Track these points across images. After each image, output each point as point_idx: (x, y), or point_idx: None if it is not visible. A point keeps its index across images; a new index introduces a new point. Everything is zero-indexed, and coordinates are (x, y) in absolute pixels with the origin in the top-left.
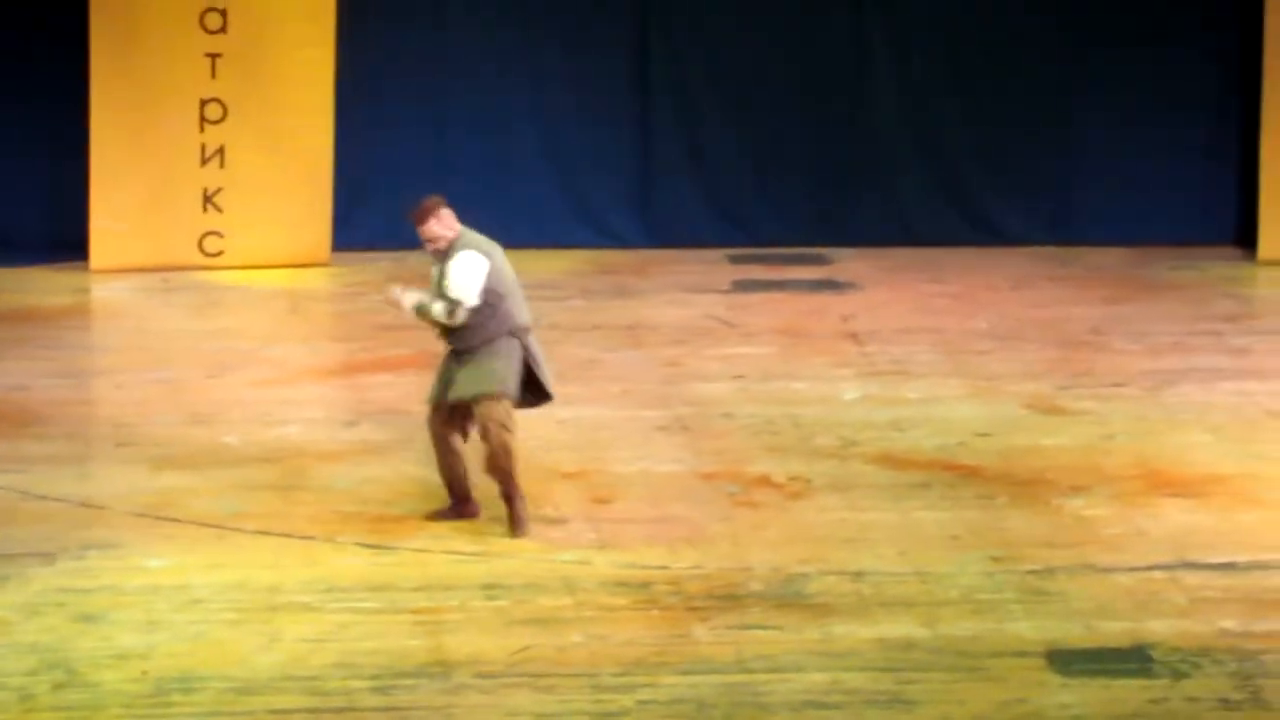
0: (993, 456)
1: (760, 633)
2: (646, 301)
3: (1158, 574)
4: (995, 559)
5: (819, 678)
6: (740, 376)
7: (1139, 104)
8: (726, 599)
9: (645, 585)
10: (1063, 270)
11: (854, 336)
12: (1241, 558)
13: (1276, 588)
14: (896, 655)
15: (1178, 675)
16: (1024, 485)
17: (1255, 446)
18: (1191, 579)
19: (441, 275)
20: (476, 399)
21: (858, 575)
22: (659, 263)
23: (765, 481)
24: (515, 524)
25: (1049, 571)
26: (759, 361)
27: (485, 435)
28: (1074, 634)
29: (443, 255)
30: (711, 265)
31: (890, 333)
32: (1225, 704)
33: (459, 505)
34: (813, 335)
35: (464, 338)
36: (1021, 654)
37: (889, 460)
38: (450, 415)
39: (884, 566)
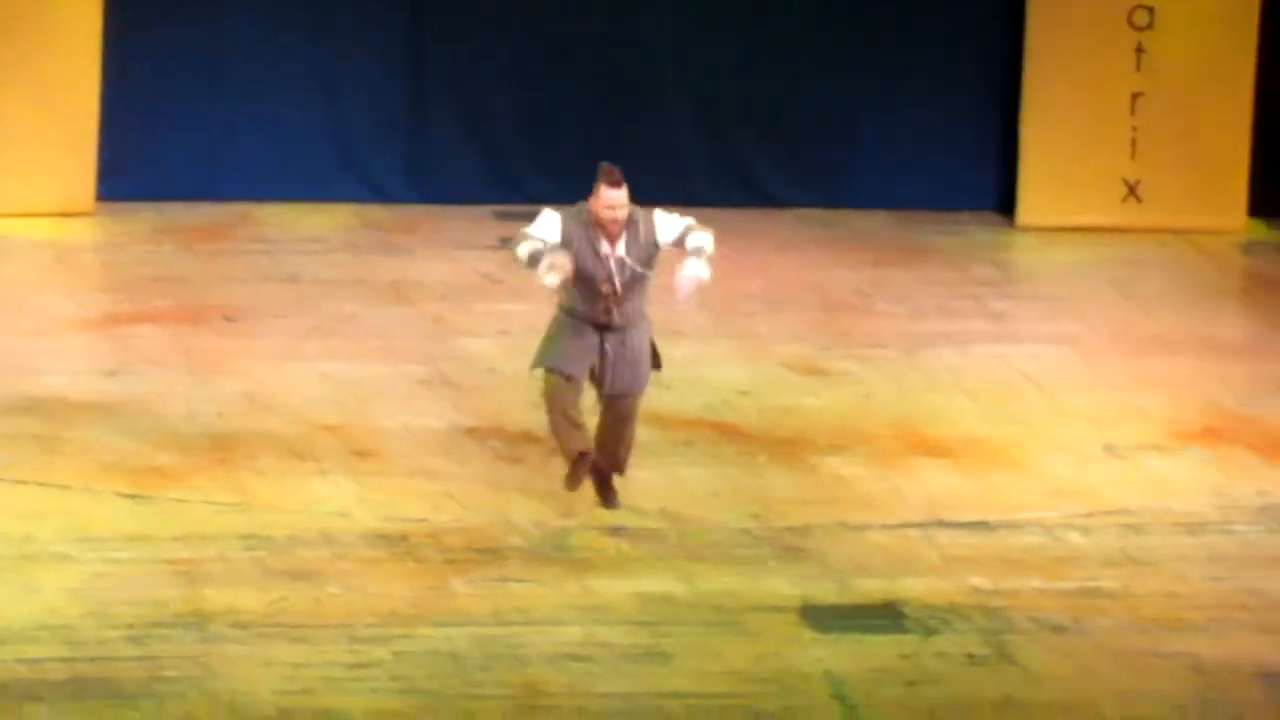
0: (754, 416)
1: (518, 586)
2: (413, 258)
3: (912, 532)
4: (754, 516)
5: (576, 631)
6: (505, 333)
7: (905, 71)
8: (485, 553)
9: (404, 538)
10: (828, 234)
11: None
12: (993, 517)
13: (1025, 547)
14: (654, 610)
15: (928, 631)
16: (784, 444)
17: (1010, 409)
18: (944, 537)
19: (653, 234)
20: (636, 394)
21: (617, 531)
22: (427, 219)
23: (528, 437)
24: (611, 497)
25: (806, 529)
26: (525, 318)
27: (622, 428)
28: (829, 590)
29: (620, 225)
30: (479, 222)
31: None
32: (972, 659)
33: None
34: None
35: (635, 309)
36: (777, 609)
37: (653, 418)
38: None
39: (644, 523)
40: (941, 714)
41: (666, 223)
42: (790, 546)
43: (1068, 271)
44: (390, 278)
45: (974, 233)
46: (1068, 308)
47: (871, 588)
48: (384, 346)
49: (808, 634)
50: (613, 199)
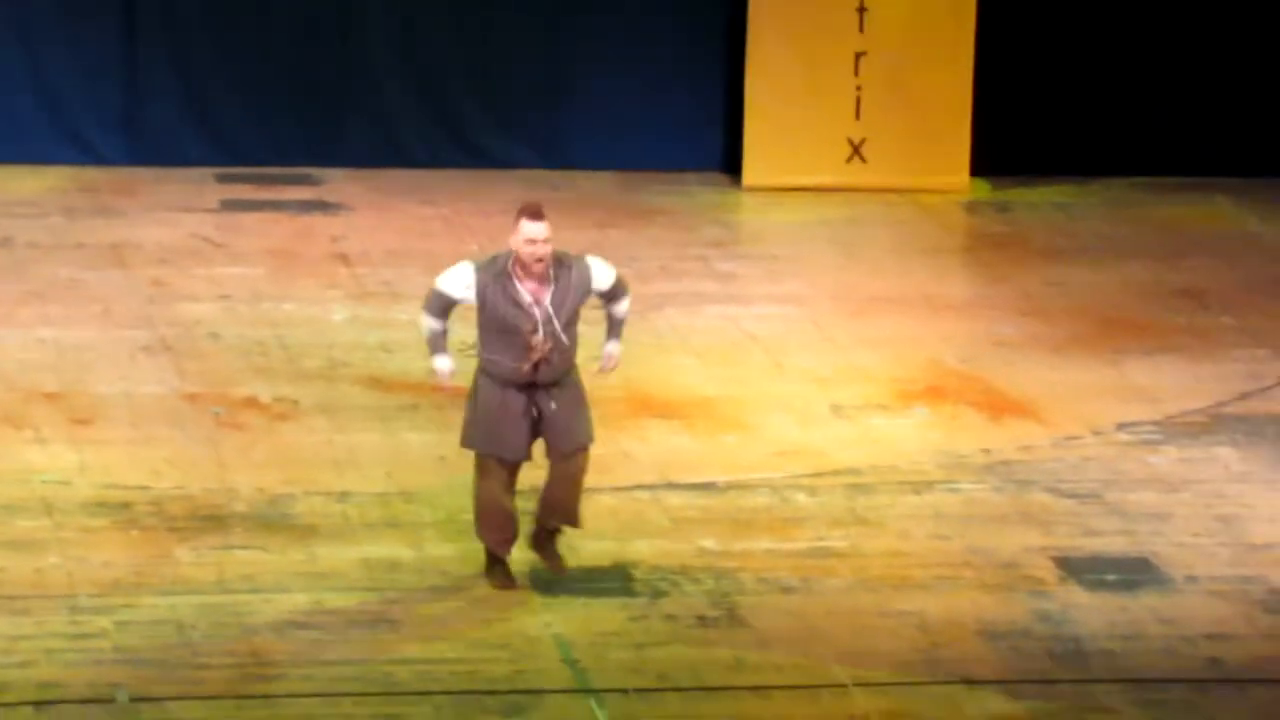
0: None
1: (243, 554)
2: (131, 221)
3: (641, 495)
4: None
5: (302, 598)
6: (227, 297)
7: (629, 30)
8: (209, 520)
9: (126, 506)
10: (554, 195)
11: (344, 258)
12: (721, 478)
13: (754, 507)
14: (381, 576)
15: (657, 594)
16: None
17: (738, 370)
18: (674, 499)
19: (588, 282)
20: (585, 446)
21: (343, 496)
22: (144, 182)
23: (251, 403)
24: (559, 563)
25: (535, 493)
26: (247, 282)
27: (576, 480)
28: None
29: (545, 264)
30: (199, 185)
31: (380, 255)
32: (702, 621)
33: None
34: (302, 257)
35: (566, 360)
36: None
37: (377, 382)
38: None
39: (370, 488)
40: (671, 676)
41: (601, 271)
42: (520, 510)
43: (794, 232)
44: (108, 241)
45: (700, 193)
46: (794, 268)
47: (600, 551)
48: (103, 311)
49: (536, 599)
50: (533, 232)
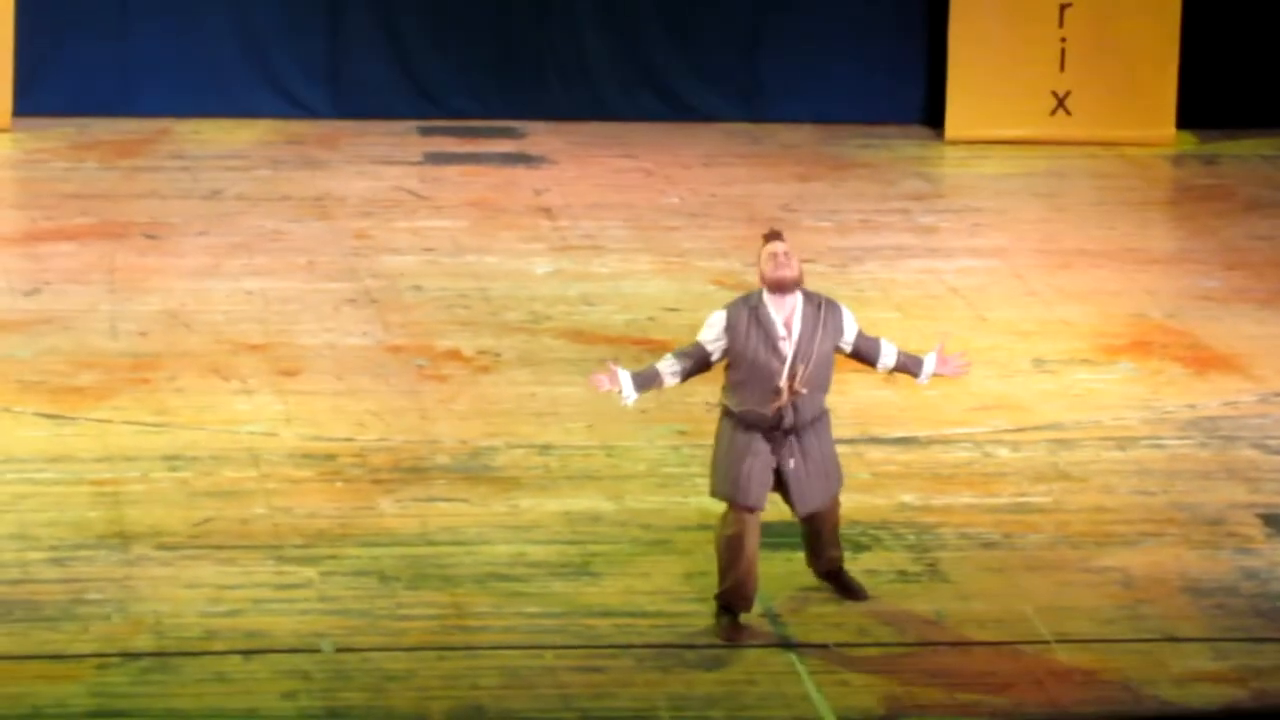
0: (682, 331)
1: (445, 505)
2: (335, 173)
3: (842, 448)
4: (682, 433)
5: (504, 550)
6: (430, 250)
7: None
8: (412, 472)
9: (330, 458)
10: (754, 147)
11: (545, 211)
12: (922, 433)
13: (954, 462)
14: (582, 528)
15: (858, 548)
16: None
17: (939, 324)
18: (874, 454)
19: (840, 328)
20: (827, 503)
21: (545, 449)
22: (348, 134)
23: (454, 355)
24: (859, 591)
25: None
26: (449, 235)
27: (824, 535)
28: None
29: (792, 282)
30: (401, 137)
31: (581, 208)
32: (903, 576)
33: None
34: (504, 209)
35: (814, 405)
36: (705, 527)
37: (578, 335)
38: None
39: (571, 440)
40: (871, 631)
41: (850, 320)
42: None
43: (996, 185)
44: (313, 193)
45: (901, 146)
46: (996, 221)
47: None
48: (308, 263)
49: None
50: (775, 248)
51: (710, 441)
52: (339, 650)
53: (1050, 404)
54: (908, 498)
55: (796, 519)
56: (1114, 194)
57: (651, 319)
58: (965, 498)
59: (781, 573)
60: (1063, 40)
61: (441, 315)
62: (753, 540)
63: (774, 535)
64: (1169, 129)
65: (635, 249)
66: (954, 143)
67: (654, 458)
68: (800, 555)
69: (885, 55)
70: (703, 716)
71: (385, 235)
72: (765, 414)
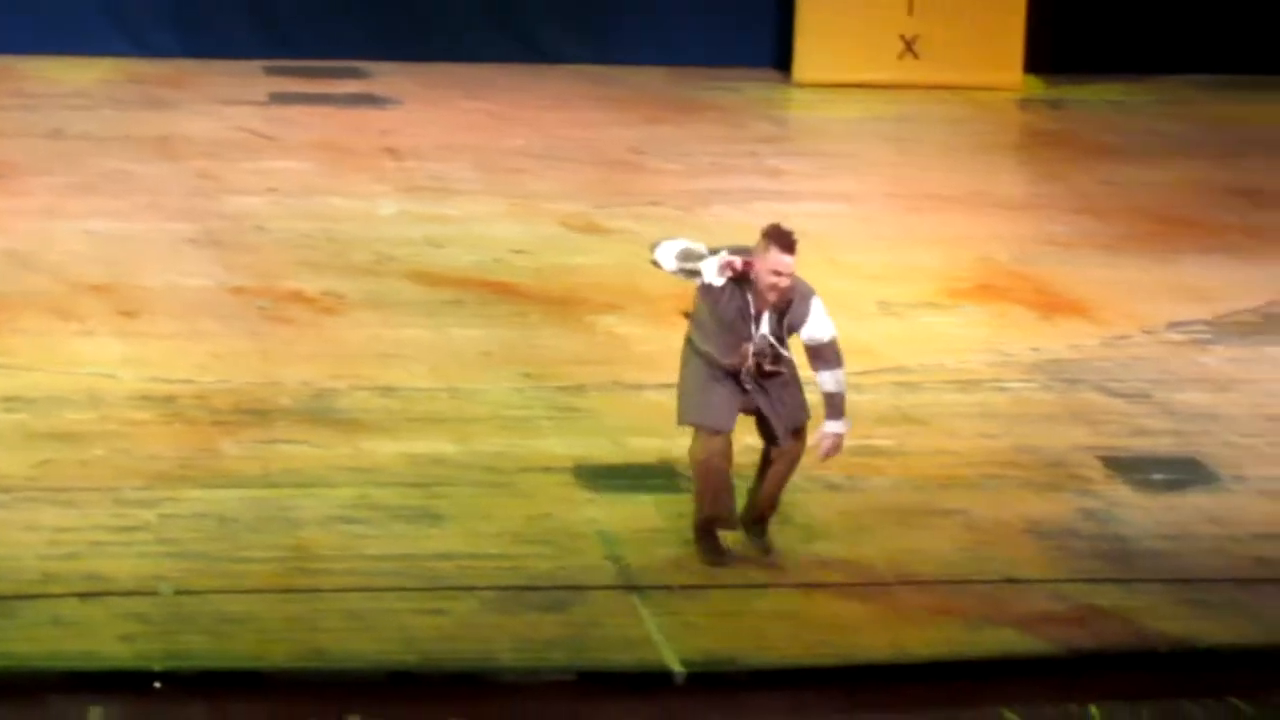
0: (528, 274)
1: (288, 448)
2: (180, 113)
3: None
4: (527, 376)
5: (347, 492)
6: (275, 190)
7: None
8: (254, 414)
9: (171, 400)
10: (603, 90)
11: (392, 152)
12: None
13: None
14: (425, 470)
15: None
16: (558, 303)
17: None
18: None
19: (803, 321)
20: (799, 429)
21: (389, 391)
22: (193, 74)
23: (298, 297)
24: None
25: (580, 388)
26: (295, 176)
27: (793, 462)
28: (602, 450)
29: (779, 294)
30: (247, 78)
31: (429, 149)
32: None
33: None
34: (350, 151)
35: (776, 364)
36: (549, 469)
37: (424, 277)
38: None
39: (416, 383)
40: (716, 574)
41: (819, 322)
42: (564, 406)
43: (845, 128)
44: (157, 134)
45: (750, 89)
46: (845, 165)
47: (646, 447)
48: (151, 204)
49: (581, 494)
50: (782, 264)
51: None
52: (178, 593)
53: (896, 347)
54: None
55: (771, 451)
56: (962, 138)
57: (498, 260)
58: (811, 440)
59: (625, 515)
60: None
61: (286, 256)
62: (724, 462)
63: (620, 477)
64: (1016, 73)
65: (482, 191)
66: (803, 86)
67: (498, 400)
68: (646, 498)
69: None
70: (545, 658)
71: (230, 176)
72: (721, 363)
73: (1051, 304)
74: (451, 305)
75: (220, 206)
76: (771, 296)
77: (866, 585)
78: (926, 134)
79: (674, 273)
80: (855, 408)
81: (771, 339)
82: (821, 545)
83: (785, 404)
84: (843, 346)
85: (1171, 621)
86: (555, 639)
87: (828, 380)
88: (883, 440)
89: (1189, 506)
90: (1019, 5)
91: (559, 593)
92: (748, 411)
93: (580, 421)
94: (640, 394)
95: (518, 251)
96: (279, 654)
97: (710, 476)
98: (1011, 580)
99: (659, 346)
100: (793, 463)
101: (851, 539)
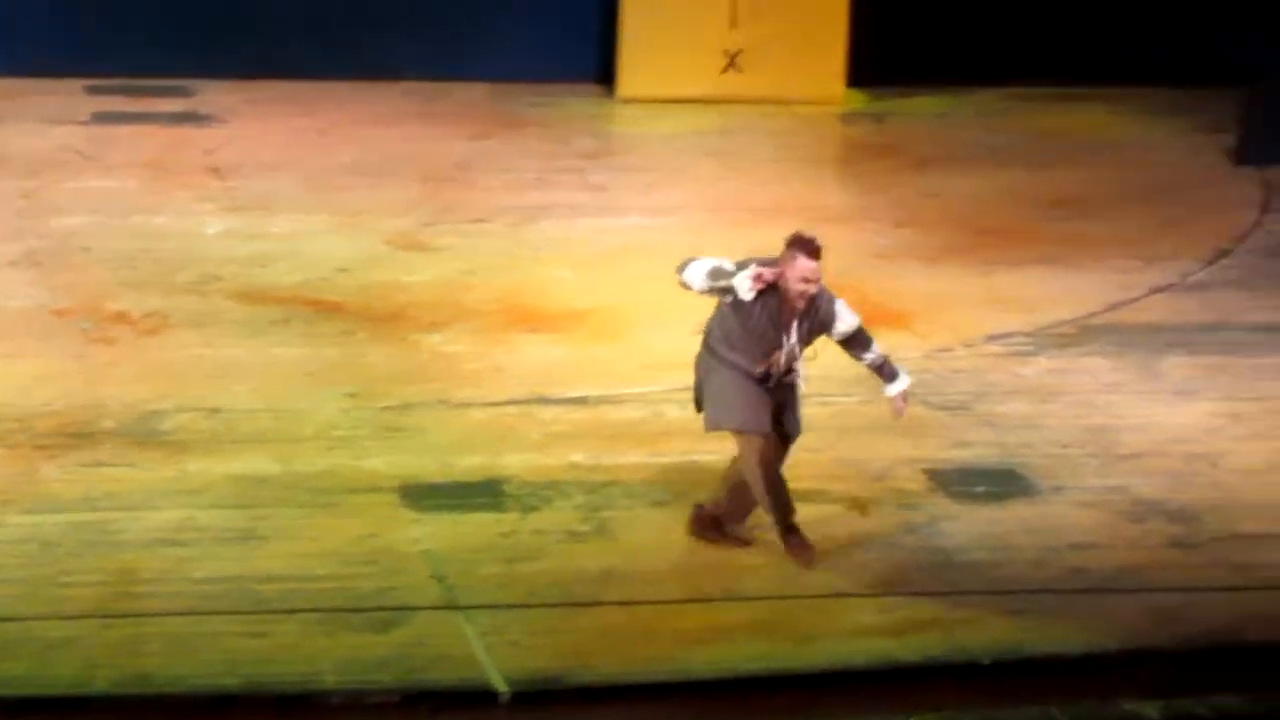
0: (354, 292)
1: (111, 470)
2: (0, 133)
3: (512, 409)
4: (352, 395)
5: (171, 515)
6: (98, 210)
7: None
8: (77, 437)
9: None
10: (428, 106)
11: (217, 171)
12: (593, 392)
13: (625, 421)
14: (250, 491)
15: (527, 509)
16: (384, 321)
17: (613, 283)
18: (545, 413)
19: (831, 322)
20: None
21: (213, 412)
22: (14, 93)
23: (122, 318)
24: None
25: (406, 407)
26: (118, 195)
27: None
28: (428, 469)
29: (808, 301)
30: (70, 97)
31: (254, 167)
32: (572, 535)
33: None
34: (174, 169)
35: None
36: (375, 489)
37: (248, 296)
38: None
39: (240, 403)
40: (540, 591)
41: (846, 316)
42: (390, 426)
43: (669, 143)
44: None
45: (575, 105)
46: (669, 179)
47: (472, 466)
48: None
49: (406, 514)
50: (810, 271)
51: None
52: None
53: None
54: (578, 457)
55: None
56: (786, 152)
57: (323, 279)
58: (635, 456)
59: (451, 534)
60: None
61: (109, 277)
62: (775, 458)
63: (445, 496)
64: (840, 87)
65: (309, 208)
66: (627, 101)
67: (323, 420)
68: (469, 518)
69: (559, 14)
70: (370, 679)
71: (52, 196)
72: (753, 371)
73: (874, 316)
74: (276, 324)
75: (42, 227)
76: (800, 303)
77: (691, 601)
78: (750, 148)
79: (704, 291)
80: (679, 423)
81: (799, 344)
82: (646, 561)
83: (796, 410)
84: (667, 363)
85: (993, 632)
86: (380, 659)
87: (870, 357)
88: (707, 455)
89: (1010, 518)
90: (841, 19)
91: (384, 613)
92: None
93: (406, 441)
94: (466, 412)
95: (343, 270)
96: (103, 679)
97: (773, 477)
98: (835, 594)
99: (485, 364)
100: (780, 462)
101: (676, 554)
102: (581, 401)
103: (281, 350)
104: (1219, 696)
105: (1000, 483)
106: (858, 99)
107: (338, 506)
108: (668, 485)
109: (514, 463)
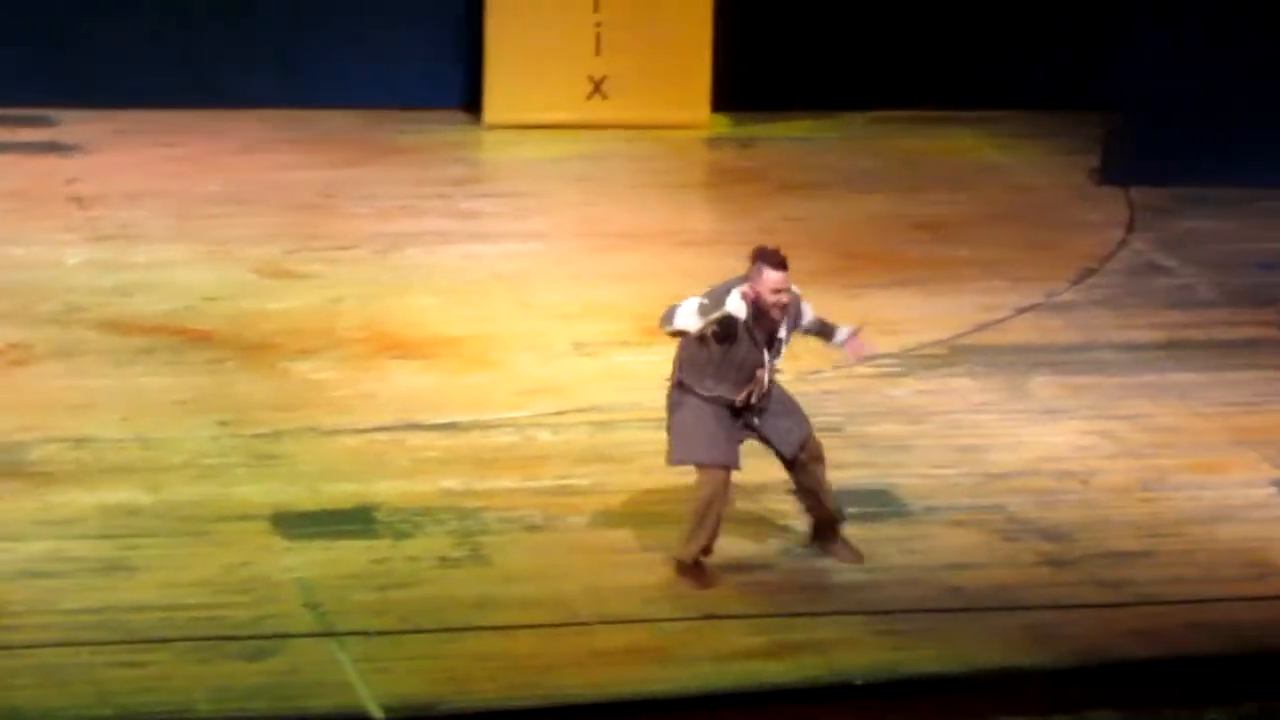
0: (221, 321)
1: None
2: None
3: (383, 436)
4: (222, 423)
5: (39, 546)
6: None
7: None
8: None
9: None
10: (293, 134)
11: (79, 200)
12: (465, 418)
13: (497, 446)
14: (119, 522)
15: (400, 535)
16: (252, 349)
17: (481, 309)
18: (416, 440)
19: (799, 317)
20: (808, 437)
21: (80, 442)
22: None
23: None
24: (853, 553)
25: (276, 435)
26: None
27: (817, 473)
28: (299, 497)
29: (783, 310)
30: None
31: (118, 197)
32: (445, 561)
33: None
34: (36, 199)
35: (772, 384)
36: (246, 518)
37: (114, 326)
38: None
39: (108, 433)
40: (414, 618)
41: (806, 306)
42: (260, 453)
43: (536, 169)
44: None
45: (441, 131)
46: (537, 205)
47: (343, 493)
48: None
49: (279, 542)
50: (780, 281)
51: None
52: None
53: (591, 386)
54: (450, 483)
55: (787, 469)
56: (652, 177)
57: (190, 308)
58: (508, 482)
59: (324, 561)
60: (598, 25)
61: None
62: (725, 499)
63: (317, 524)
64: (704, 112)
65: (173, 238)
66: (493, 127)
67: (192, 449)
68: (341, 545)
69: (424, 40)
70: (244, 708)
71: None
72: (733, 400)
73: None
74: (143, 354)
75: None
76: (776, 314)
77: (566, 625)
78: (617, 173)
79: (700, 331)
80: (551, 448)
81: (778, 356)
82: (521, 586)
83: (782, 416)
84: (537, 387)
85: (868, 653)
86: (255, 688)
87: (827, 327)
88: (580, 480)
89: (882, 539)
90: (705, 45)
91: (258, 641)
92: (751, 436)
93: (277, 468)
94: (336, 439)
95: (211, 298)
96: None
97: (715, 511)
98: (709, 616)
99: (353, 391)
100: (813, 464)
101: (550, 579)
102: (452, 427)
103: (149, 379)
104: (1093, 713)
105: (873, 503)
106: (722, 124)
107: (209, 535)
108: (541, 510)
109: (386, 489)
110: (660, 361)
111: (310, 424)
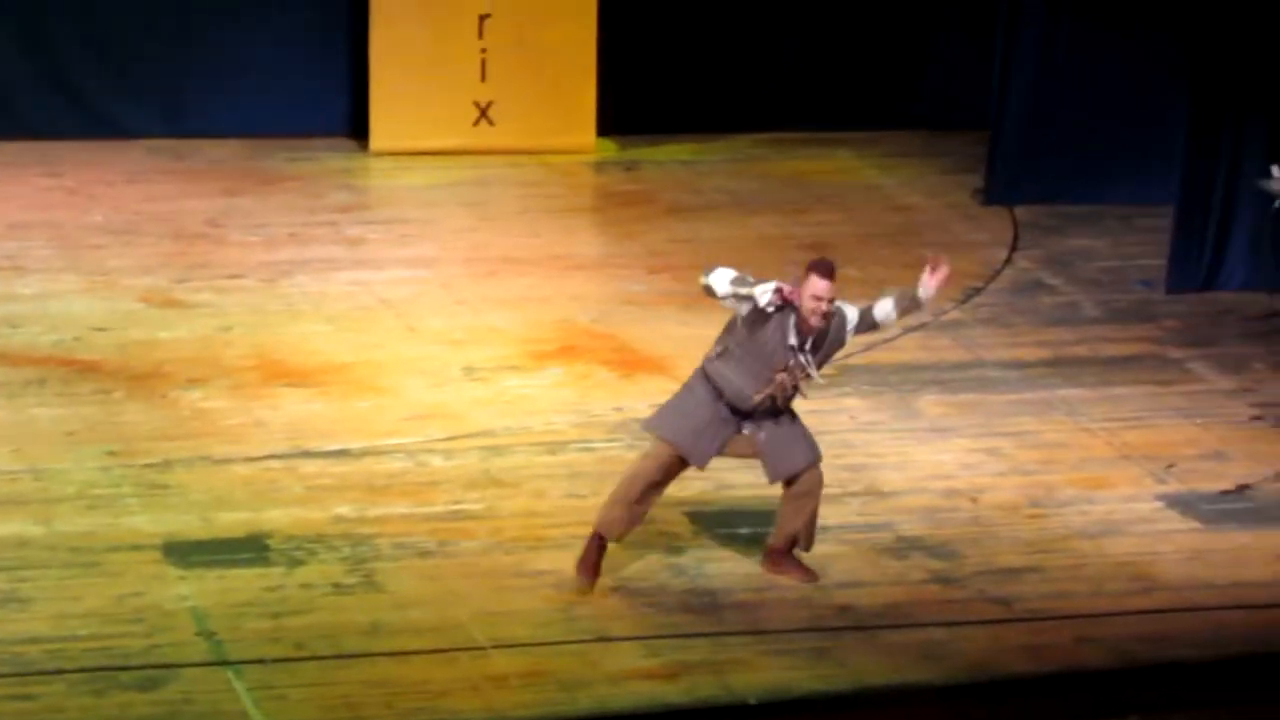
0: (110, 351)
1: None
2: None
3: (274, 463)
4: (112, 454)
5: None
6: None
7: None
8: None
9: None
10: (179, 163)
11: None
12: (356, 445)
13: (389, 472)
14: (9, 554)
15: (293, 563)
16: (142, 379)
17: (370, 335)
18: (308, 467)
19: (843, 331)
20: (805, 468)
21: None
22: None
23: None
24: (807, 574)
25: (166, 464)
26: None
27: (803, 504)
28: (191, 526)
29: (821, 320)
30: None
31: (2, 227)
32: (338, 588)
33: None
34: None
35: (789, 402)
36: (138, 548)
37: (2, 357)
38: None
39: None
40: (309, 645)
41: (852, 313)
42: (151, 483)
43: (423, 195)
44: None
45: (327, 158)
46: (424, 231)
47: (235, 521)
48: None
49: (171, 571)
50: (823, 290)
51: None
52: None
53: (482, 411)
54: (342, 510)
55: (781, 486)
56: (538, 201)
57: (78, 338)
58: (400, 508)
59: (216, 590)
60: (483, 51)
61: None
62: (662, 486)
63: (209, 552)
64: (590, 136)
65: (60, 268)
66: (380, 154)
67: (83, 480)
68: (234, 573)
69: (309, 68)
70: None
71: None
72: (749, 395)
73: (632, 362)
74: (32, 385)
75: None
76: (815, 321)
77: (459, 650)
78: (503, 198)
79: (725, 297)
80: (443, 473)
81: (808, 365)
82: (414, 612)
83: (785, 442)
84: (428, 413)
85: (761, 673)
86: (149, 718)
87: (889, 312)
88: (472, 504)
89: None
90: (590, 70)
91: (151, 671)
92: (740, 454)
93: (168, 498)
94: (227, 468)
95: (98, 329)
96: None
97: (634, 485)
98: (603, 638)
99: (244, 419)
100: (805, 495)
101: (443, 604)
102: (344, 454)
103: (39, 410)
104: None
105: (764, 523)
106: (608, 148)
107: (101, 566)
108: (434, 535)
109: (278, 517)
110: (549, 386)
111: (201, 453)
